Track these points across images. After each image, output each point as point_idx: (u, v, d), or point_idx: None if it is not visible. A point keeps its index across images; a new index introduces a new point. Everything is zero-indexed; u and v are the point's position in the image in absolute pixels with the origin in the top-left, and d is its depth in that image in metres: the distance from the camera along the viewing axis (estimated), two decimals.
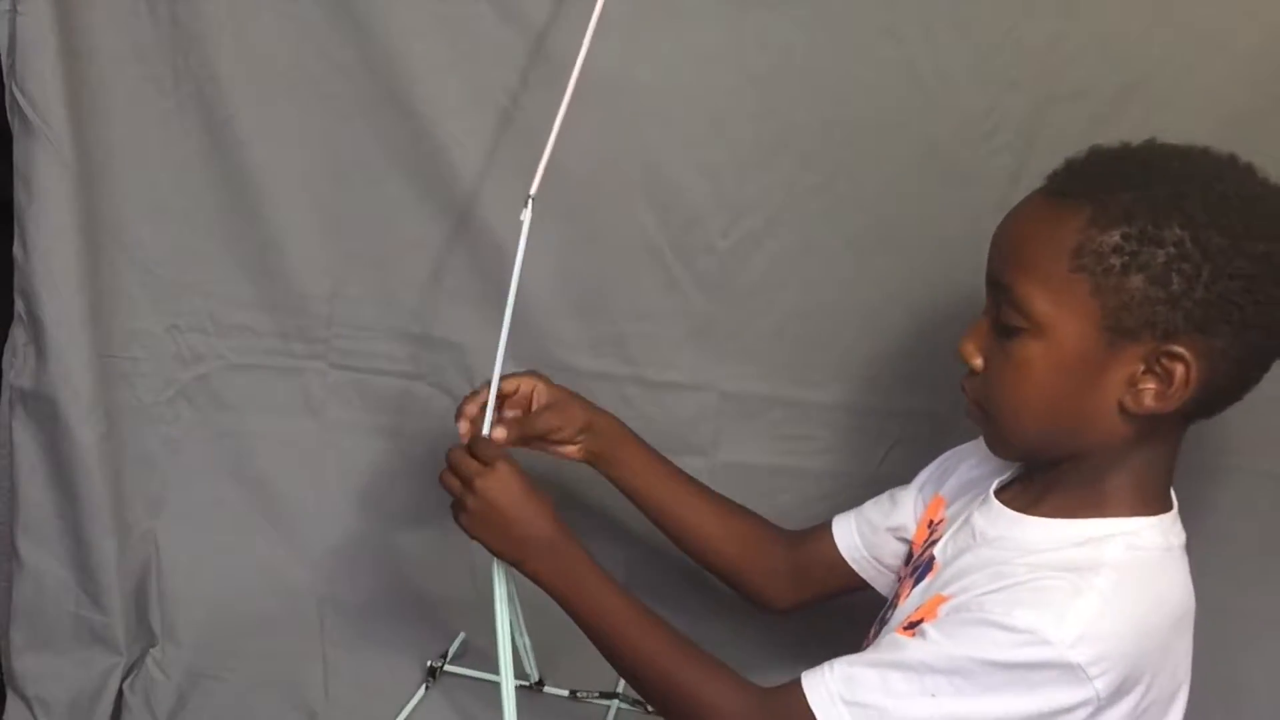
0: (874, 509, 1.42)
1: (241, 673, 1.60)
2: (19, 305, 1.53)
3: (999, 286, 1.09)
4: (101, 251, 1.56)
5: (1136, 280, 0.99)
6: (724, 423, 1.67)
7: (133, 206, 1.58)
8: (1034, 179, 1.47)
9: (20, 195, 1.49)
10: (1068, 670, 0.99)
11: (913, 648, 1.06)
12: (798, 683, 1.10)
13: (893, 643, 1.08)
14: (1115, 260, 1.00)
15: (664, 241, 1.60)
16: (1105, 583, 1.03)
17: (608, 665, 1.30)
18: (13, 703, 1.57)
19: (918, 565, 1.25)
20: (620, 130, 1.55)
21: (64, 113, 1.47)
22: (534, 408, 1.41)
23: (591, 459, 1.46)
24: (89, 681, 1.57)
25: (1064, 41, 1.43)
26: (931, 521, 1.32)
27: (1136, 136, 1.42)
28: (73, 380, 1.52)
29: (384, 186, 1.61)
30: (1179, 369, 1.01)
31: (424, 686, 1.62)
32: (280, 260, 1.63)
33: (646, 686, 1.23)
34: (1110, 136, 1.44)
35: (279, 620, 1.66)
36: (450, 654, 1.67)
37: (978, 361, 1.13)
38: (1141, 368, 1.03)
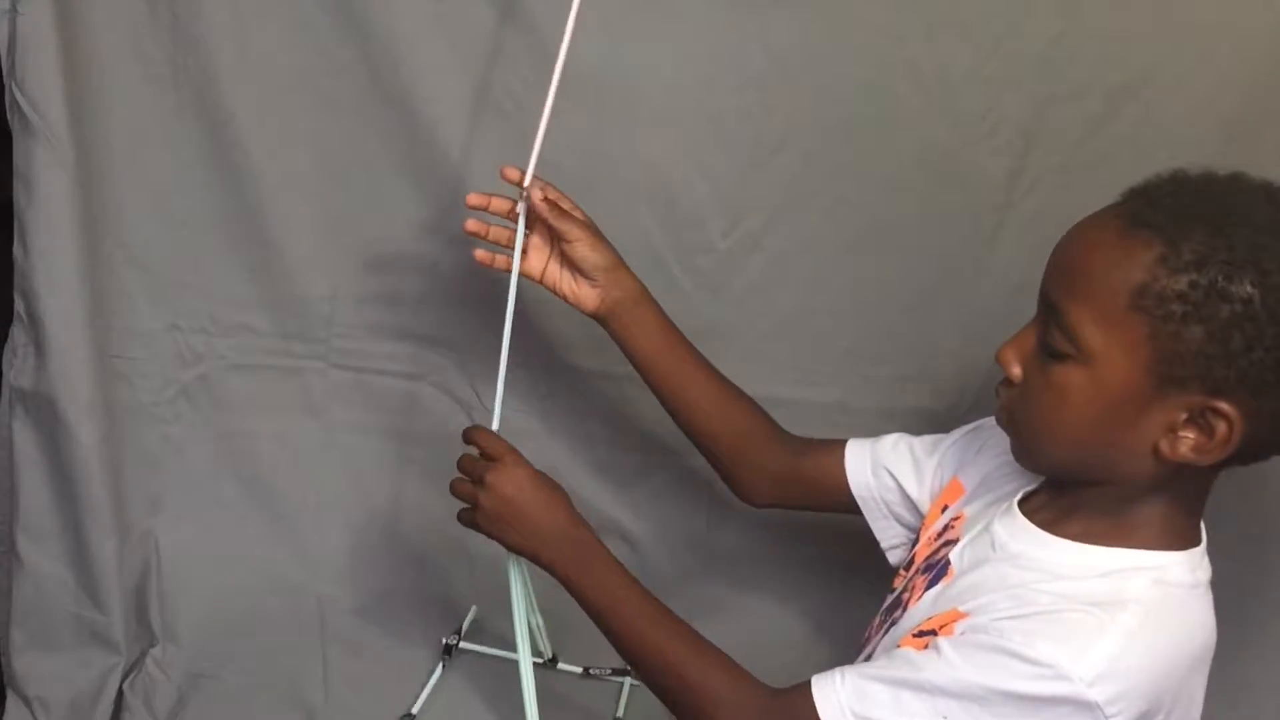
0: (894, 459, 1.38)
1: (241, 672, 1.59)
2: (19, 305, 1.52)
3: (1051, 307, 1.05)
4: (101, 251, 1.56)
5: (1196, 331, 0.95)
6: None
7: (132, 206, 1.58)
8: (1034, 178, 1.50)
9: (20, 195, 1.49)
10: (1084, 707, 0.97)
11: (928, 668, 1.04)
12: (807, 687, 1.09)
13: (906, 659, 1.07)
14: (1178, 307, 0.95)
15: (664, 242, 1.60)
16: (1130, 620, 1.00)
17: None
18: (13, 703, 1.57)
19: (931, 565, 1.23)
20: (620, 131, 1.55)
21: (64, 112, 1.47)
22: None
23: (605, 312, 1.41)
24: (89, 682, 1.57)
25: (1064, 41, 1.43)
26: (946, 505, 1.30)
27: (1136, 136, 1.45)
28: (73, 380, 1.52)
29: (384, 186, 1.61)
30: (1222, 426, 0.97)
31: (441, 665, 1.62)
32: (280, 260, 1.63)
33: (653, 677, 1.22)
34: (1110, 136, 1.46)
35: (279, 620, 1.66)
36: (464, 629, 1.68)
37: (1016, 371, 1.10)
38: (1184, 416, 0.99)
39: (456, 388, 1.69)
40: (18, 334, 1.54)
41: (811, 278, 1.60)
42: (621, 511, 1.71)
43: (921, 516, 1.35)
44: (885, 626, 1.28)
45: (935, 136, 1.50)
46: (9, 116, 1.48)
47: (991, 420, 1.25)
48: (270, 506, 1.72)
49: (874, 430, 1.63)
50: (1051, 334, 1.05)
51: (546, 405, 1.68)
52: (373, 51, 1.54)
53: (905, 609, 1.23)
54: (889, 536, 1.40)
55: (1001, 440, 1.20)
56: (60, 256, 1.50)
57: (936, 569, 1.21)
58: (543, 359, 1.64)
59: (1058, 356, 1.04)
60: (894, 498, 1.38)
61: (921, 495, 1.36)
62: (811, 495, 1.45)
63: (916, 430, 1.60)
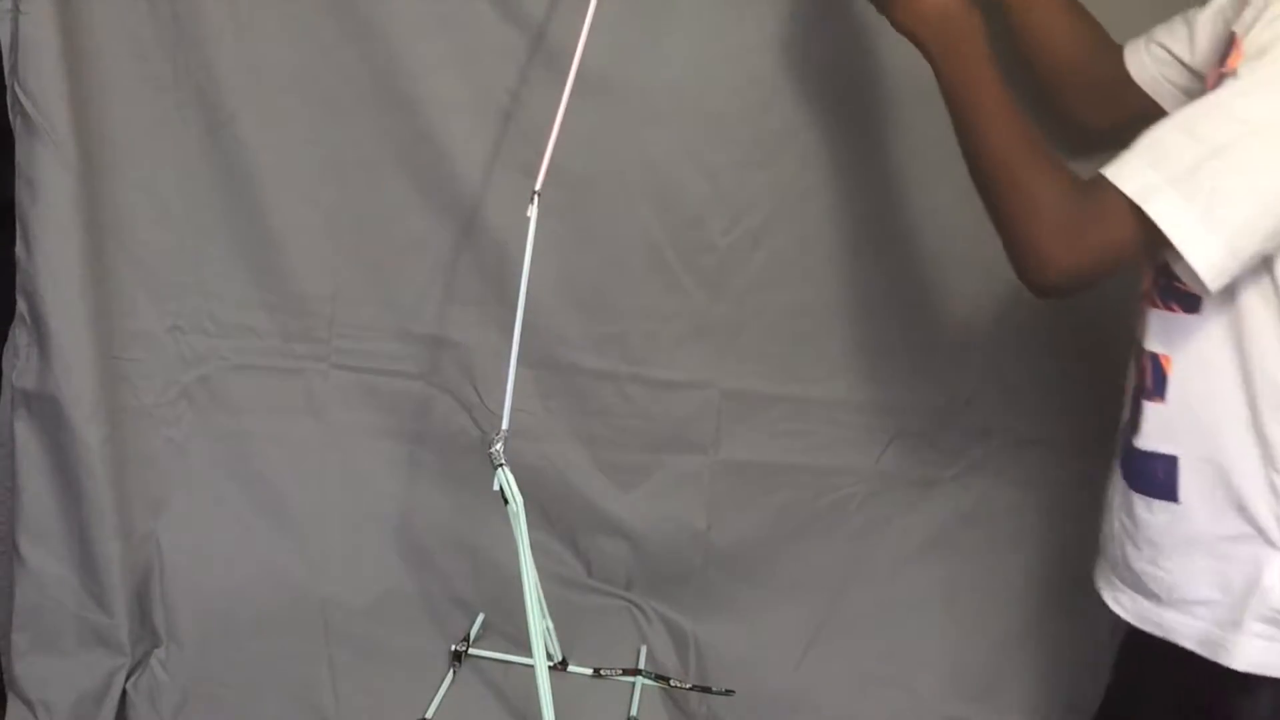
0: (1165, 31, 1.31)
1: (247, 675, 1.58)
2: (21, 306, 1.52)
3: None
4: (103, 251, 1.56)
5: None
6: (725, 420, 1.67)
7: (134, 206, 1.58)
8: None
9: (23, 195, 1.48)
10: None
11: (1221, 92, 1.00)
12: (1102, 180, 1.04)
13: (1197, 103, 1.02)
14: None
15: (665, 240, 1.61)
16: None
17: (629, 644, 1.38)
18: (14, 706, 1.56)
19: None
20: (621, 130, 1.56)
21: (66, 112, 1.46)
22: None
23: None
24: (93, 684, 1.56)
25: None
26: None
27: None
28: (76, 381, 1.51)
29: (385, 186, 1.61)
30: None
31: (451, 671, 1.62)
32: (281, 260, 1.63)
33: (986, 171, 1.15)
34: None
35: (283, 622, 1.65)
36: (472, 636, 1.68)
37: None
38: None
39: (458, 387, 1.68)
40: (20, 335, 1.53)
41: (811, 275, 1.62)
42: (622, 510, 1.71)
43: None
44: None
45: (935, 135, 1.50)
46: (11, 116, 1.47)
47: None
48: (272, 508, 1.71)
49: (874, 425, 1.66)
50: None
51: (548, 404, 1.68)
52: (373, 51, 1.54)
53: None
54: None
55: None
56: (64, 256, 1.49)
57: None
58: (544, 358, 1.64)
59: None
60: (1172, 72, 1.31)
61: (1195, 59, 1.28)
62: (1122, 102, 1.36)
63: (916, 424, 1.62)
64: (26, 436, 1.55)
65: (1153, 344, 1.13)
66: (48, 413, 1.53)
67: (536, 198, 1.34)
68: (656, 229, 1.61)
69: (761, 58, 1.53)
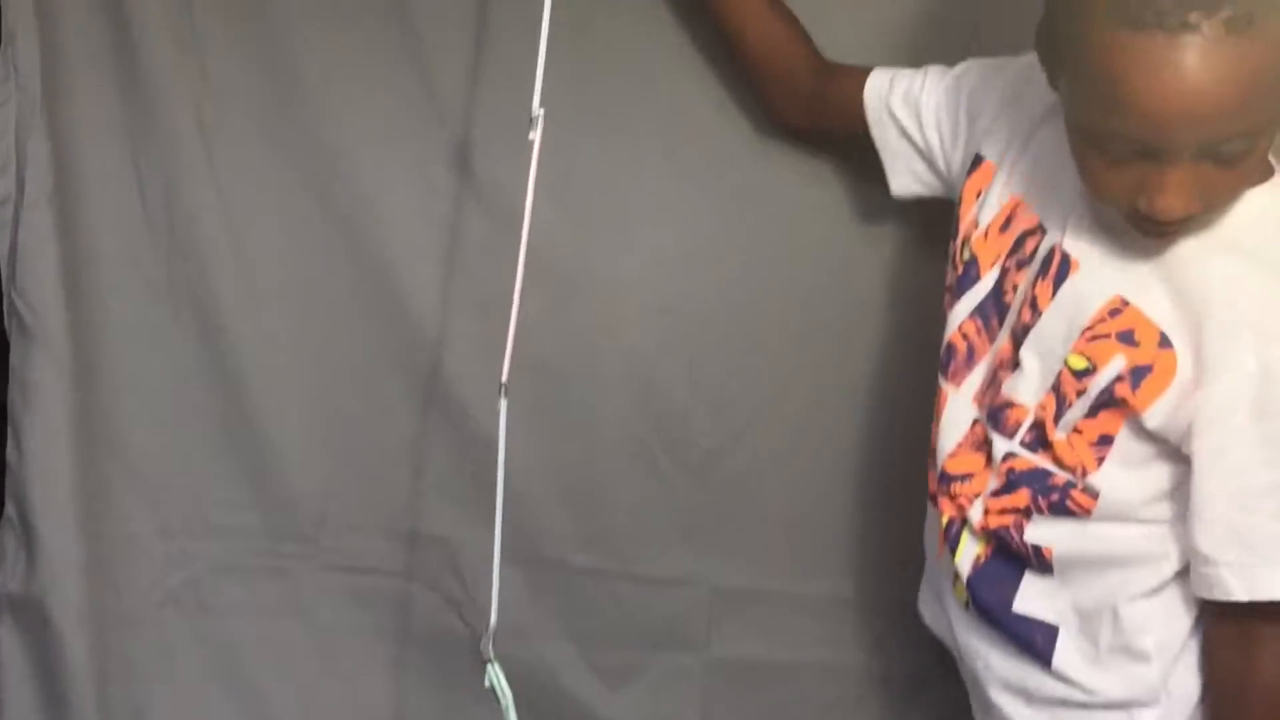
0: (904, 111, 1.31)
1: None
2: (10, 510, 1.53)
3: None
4: (94, 455, 1.57)
5: None
6: (716, 617, 1.65)
7: (126, 410, 1.60)
8: None
9: (15, 399, 1.51)
10: None
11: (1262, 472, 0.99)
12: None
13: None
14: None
15: (649, 435, 1.61)
16: None
17: None
18: None
19: (1046, 261, 1.11)
20: (601, 324, 1.58)
21: (62, 318, 1.50)
22: None
23: None
24: None
25: None
26: (980, 191, 1.20)
27: None
28: (64, 586, 1.51)
29: (375, 386, 1.63)
30: None
31: None
32: (272, 461, 1.64)
33: None
34: None
35: None
36: None
37: (1198, 207, 0.98)
38: None
39: (446, 586, 1.67)
40: (8, 538, 1.54)
41: (798, 471, 1.62)
42: (614, 710, 1.68)
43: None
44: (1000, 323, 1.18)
45: (923, 322, 1.51)
46: (7, 321, 1.51)
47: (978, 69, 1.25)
48: (258, 714, 1.68)
49: (865, 622, 1.63)
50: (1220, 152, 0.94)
51: (537, 602, 1.66)
52: (363, 255, 1.58)
53: (1020, 310, 1.13)
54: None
55: (1004, 84, 1.20)
56: (55, 461, 1.51)
57: (1054, 265, 1.10)
58: (531, 555, 1.62)
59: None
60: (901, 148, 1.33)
61: (935, 152, 1.30)
62: (837, 120, 1.38)
63: (907, 620, 1.58)
64: (10, 644, 1.54)
65: (1031, 537, 1.14)
66: (33, 618, 1.52)
67: (504, 389, 1.34)
68: (640, 424, 1.61)
69: (739, 253, 1.56)
